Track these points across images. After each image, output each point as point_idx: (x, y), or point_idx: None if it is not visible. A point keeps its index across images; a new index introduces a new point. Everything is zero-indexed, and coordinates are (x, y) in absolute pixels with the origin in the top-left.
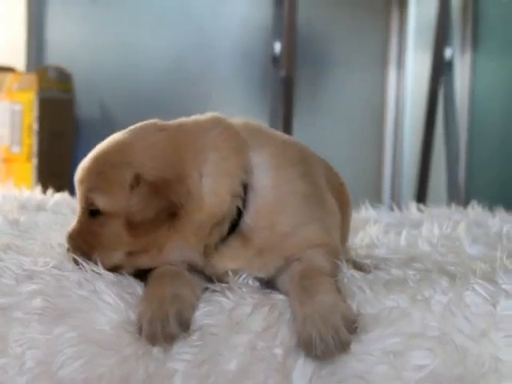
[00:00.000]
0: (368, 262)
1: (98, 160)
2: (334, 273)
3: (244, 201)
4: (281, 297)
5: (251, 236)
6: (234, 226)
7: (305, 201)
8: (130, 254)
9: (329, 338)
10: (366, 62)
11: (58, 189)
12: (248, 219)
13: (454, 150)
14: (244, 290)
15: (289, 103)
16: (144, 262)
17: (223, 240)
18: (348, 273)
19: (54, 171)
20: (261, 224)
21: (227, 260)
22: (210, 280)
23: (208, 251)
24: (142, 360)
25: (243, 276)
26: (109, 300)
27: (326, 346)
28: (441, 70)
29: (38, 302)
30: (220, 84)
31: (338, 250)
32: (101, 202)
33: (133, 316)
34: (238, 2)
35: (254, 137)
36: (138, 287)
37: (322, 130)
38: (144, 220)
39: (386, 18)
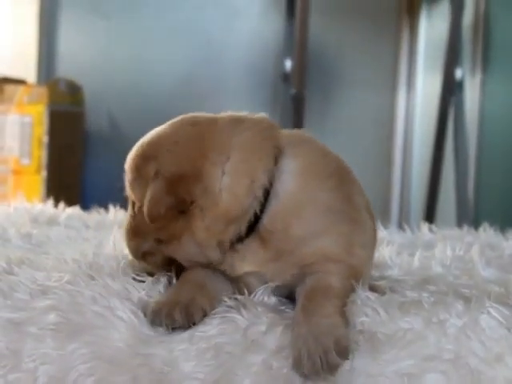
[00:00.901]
0: (383, 283)
1: (137, 151)
2: (346, 294)
3: (264, 204)
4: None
5: (268, 238)
6: (253, 228)
7: (328, 212)
8: (158, 241)
9: (316, 358)
10: (375, 82)
11: (67, 202)
12: (266, 221)
13: (463, 169)
14: (259, 308)
15: (299, 121)
16: (170, 251)
17: (241, 240)
18: (362, 294)
19: (63, 184)
20: (277, 226)
21: (246, 261)
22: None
23: (223, 248)
24: (155, 379)
25: (259, 293)
26: (123, 316)
27: (313, 365)
28: (451, 90)
29: (51, 317)
30: (230, 100)
31: (358, 269)
32: (132, 193)
33: (147, 332)
34: (249, 18)
35: (294, 146)
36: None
37: (331, 147)
38: (158, 214)
39: (397, 38)
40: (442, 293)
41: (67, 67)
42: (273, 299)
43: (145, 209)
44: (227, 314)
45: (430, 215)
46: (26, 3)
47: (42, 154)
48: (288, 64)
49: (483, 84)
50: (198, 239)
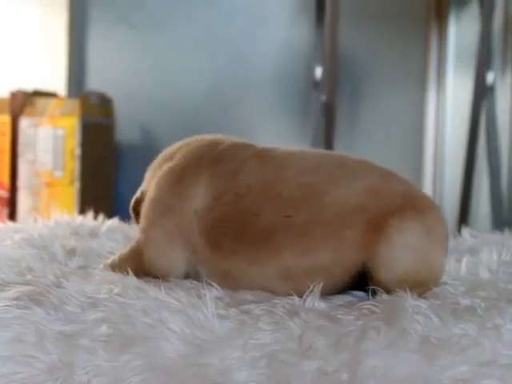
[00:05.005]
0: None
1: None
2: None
3: None
4: (347, 319)
5: None
6: None
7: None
8: None
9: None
10: (405, 87)
11: (100, 213)
12: None
13: (496, 173)
14: (310, 314)
15: (330, 128)
16: None
17: None
18: (412, 302)
19: (95, 195)
20: None
21: None
22: None
23: None
24: None
25: (309, 299)
26: (175, 328)
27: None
28: (483, 94)
29: (103, 329)
30: (260, 109)
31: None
32: None
33: (199, 343)
34: (278, 27)
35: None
36: (202, 316)
37: (363, 153)
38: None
39: (426, 43)
40: (494, 298)
41: (97, 80)
42: (322, 305)
43: None
44: (280, 321)
45: (464, 219)
46: (56, 17)
47: (75, 167)
48: (318, 72)
49: None
50: None
